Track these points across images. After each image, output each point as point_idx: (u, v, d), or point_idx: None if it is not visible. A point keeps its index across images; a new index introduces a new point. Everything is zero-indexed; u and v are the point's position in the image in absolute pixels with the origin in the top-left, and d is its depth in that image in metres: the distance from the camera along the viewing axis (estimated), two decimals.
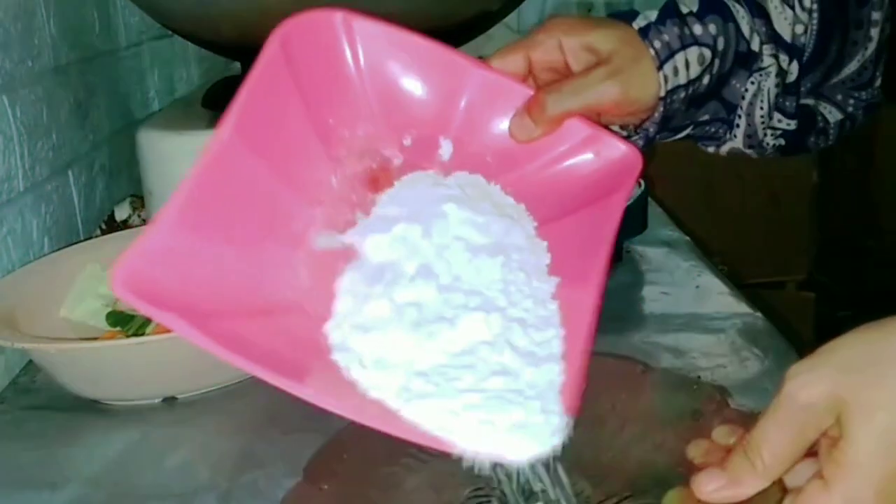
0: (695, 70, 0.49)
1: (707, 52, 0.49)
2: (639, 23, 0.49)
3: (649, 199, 0.79)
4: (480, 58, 0.47)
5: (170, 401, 0.56)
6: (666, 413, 0.43)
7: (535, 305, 0.38)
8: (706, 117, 0.52)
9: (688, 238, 0.81)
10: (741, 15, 0.51)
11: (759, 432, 0.34)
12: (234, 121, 0.37)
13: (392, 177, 0.43)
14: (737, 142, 0.53)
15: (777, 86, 0.52)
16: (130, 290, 0.32)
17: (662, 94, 0.48)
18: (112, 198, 0.88)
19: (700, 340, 0.60)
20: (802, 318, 1.82)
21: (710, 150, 0.54)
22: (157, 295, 0.32)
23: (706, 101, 0.51)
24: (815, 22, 0.52)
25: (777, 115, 0.52)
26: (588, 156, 0.45)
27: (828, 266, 2.18)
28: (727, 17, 0.50)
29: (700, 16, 0.50)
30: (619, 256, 0.75)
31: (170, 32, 0.93)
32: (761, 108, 0.52)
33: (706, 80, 0.50)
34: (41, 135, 0.72)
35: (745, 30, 0.51)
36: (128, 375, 0.55)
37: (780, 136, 0.53)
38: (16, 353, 0.61)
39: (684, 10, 0.50)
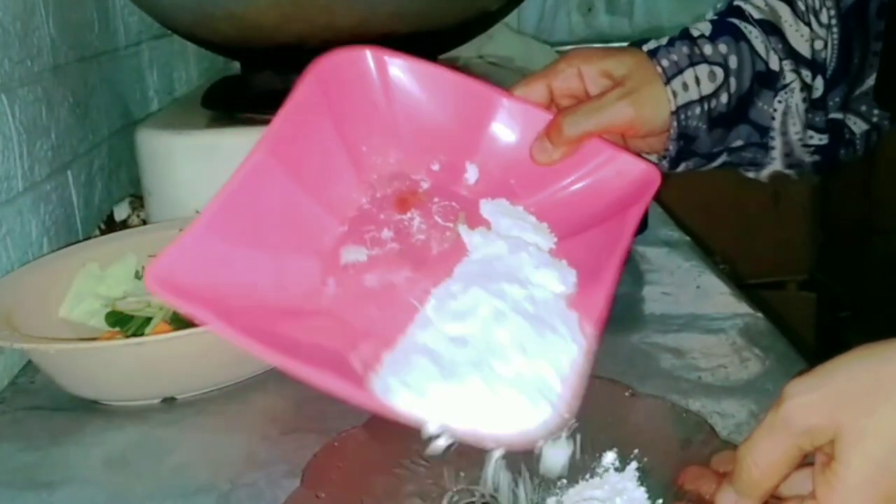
0: (707, 87, 0.50)
1: (718, 70, 0.51)
2: (649, 46, 0.51)
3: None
4: (503, 86, 0.49)
5: (169, 401, 0.56)
6: (653, 440, 0.43)
7: (547, 307, 0.40)
8: (739, 143, 0.53)
9: (688, 238, 0.81)
10: (754, 35, 0.52)
11: (754, 447, 0.35)
12: (269, 142, 0.41)
13: (420, 199, 0.46)
14: (776, 164, 0.54)
15: (804, 101, 0.52)
16: (163, 287, 0.34)
17: (673, 108, 0.49)
18: (111, 198, 0.88)
19: (700, 341, 0.60)
20: (803, 319, 1.82)
21: (751, 175, 0.55)
22: (188, 292, 0.35)
23: (734, 124, 0.52)
24: (835, 37, 0.52)
25: (808, 132, 0.53)
26: (608, 174, 0.47)
27: (828, 266, 2.17)
28: (739, 37, 0.52)
29: (711, 38, 0.52)
30: None
31: (169, 32, 0.93)
32: (794, 126, 0.53)
33: (724, 98, 0.51)
34: (40, 134, 0.72)
35: (760, 48, 0.52)
36: (127, 376, 0.54)
37: (815, 152, 0.54)
38: (15, 353, 0.61)
39: (695, 33, 0.52)
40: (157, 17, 0.82)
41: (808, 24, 0.53)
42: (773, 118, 0.52)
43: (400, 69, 0.46)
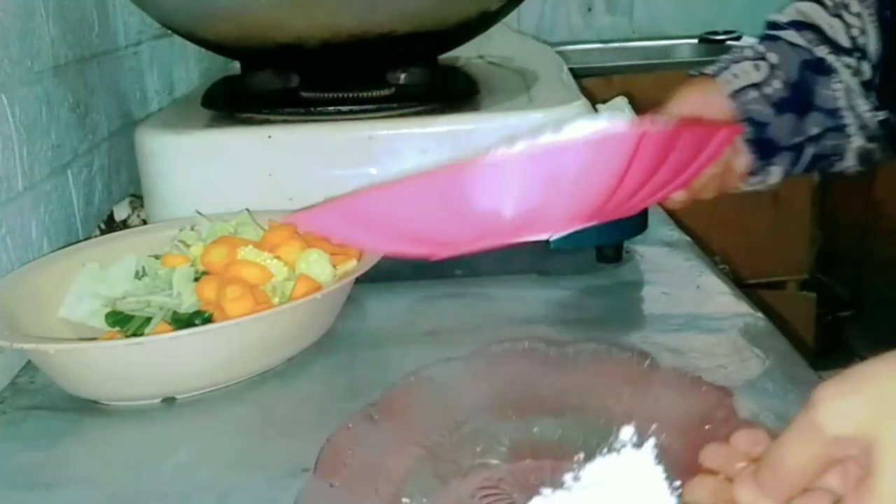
0: (755, 75, 0.59)
1: (761, 63, 0.59)
2: (694, 72, 0.62)
3: None
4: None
5: (169, 401, 0.56)
6: (672, 414, 0.42)
7: None
8: (816, 130, 0.59)
9: (688, 238, 0.81)
10: (789, 34, 0.60)
11: (783, 450, 0.33)
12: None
13: None
14: (857, 140, 0.59)
15: (859, 85, 0.58)
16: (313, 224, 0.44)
17: (728, 92, 0.58)
18: (111, 197, 0.88)
19: (701, 340, 0.60)
20: (803, 319, 1.82)
21: (840, 168, 0.61)
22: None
23: (804, 112, 0.59)
24: (870, 24, 0.58)
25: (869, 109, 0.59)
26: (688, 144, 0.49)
27: (829, 266, 2.17)
28: (774, 38, 0.60)
29: (752, 45, 0.60)
30: (619, 256, 0.75)
31: (169, 32, 0.93)
32: (860, 100, 0.58)
33: (776, 83, 0.59)
34: (40, 134, 0.72)
35: (799, 41, 0.59)
36: (127, 376, 0.54)
37: (881, 126, 0.59)
38: (15, 353, 0.61)
39: (739, 48, 0.61)
40: (156, 18, 0.82)
41: (840, 17, 0.59)
42: (835, 98, 0.58)
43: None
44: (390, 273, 0.66)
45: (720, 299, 0.67)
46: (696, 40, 2.16)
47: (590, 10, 2.26)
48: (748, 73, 0.59)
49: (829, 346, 2.00)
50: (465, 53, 0.97)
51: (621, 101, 0.83)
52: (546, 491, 0.39)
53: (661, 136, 0.43)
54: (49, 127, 0.74)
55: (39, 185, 0.71)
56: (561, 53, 1.07)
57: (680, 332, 0.62)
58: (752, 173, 0.62)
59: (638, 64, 1.88)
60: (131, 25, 0.98)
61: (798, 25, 0.59)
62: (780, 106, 0.58)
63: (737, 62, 0.59)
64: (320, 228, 0.46)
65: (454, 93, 0.77)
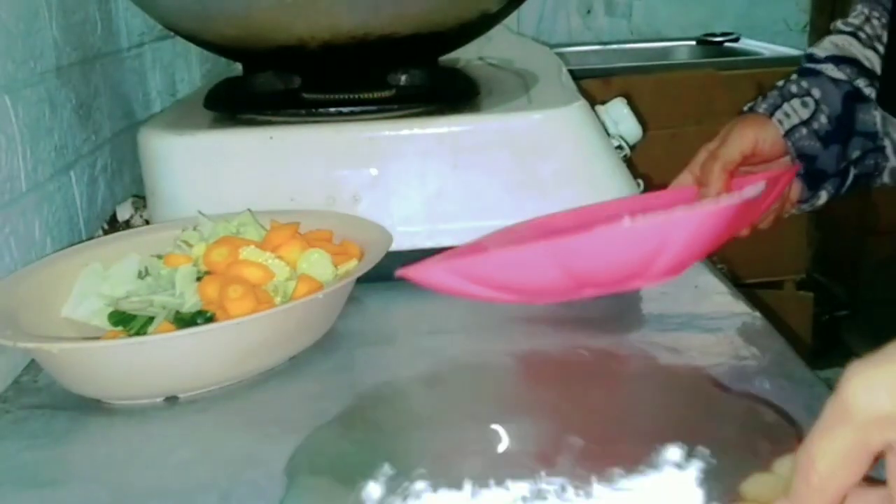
0: (804, 112, 0.64)
1: (808, 99, 0.64)
2: (746, 106, 0.67)
3: None
4: None
5: (171, 400, 0.57)
6: (727, 442, 0.39)
7: None
8: (858, 153, 0.65)
9: None
10: (829, 69, 0.65)
11: (811, 448, 0.28)
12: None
13: None
14: (893, 160, 0.65)
15: None
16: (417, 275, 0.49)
17: (783, 132, 0.63)
18: (114, 198, 0.88)
19: (699, 340, 0.60)
20: (801, 318, 1.83)
21: (880, 183, 0.67)
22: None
23: (848, 138, 0.64)
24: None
25: None
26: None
27: (826, 266, 2.18)
28: (815, 73, 0.65)
29: (796, 80, 0.66)
30: None
31: (171, 34, 0.93)
32: (893, 127, 0.64)
33: (822, 119, 0.64)
34: (43, 135, 0.72)
35: (838, 75, 0.64)
36: (130, 375, 0.55)
37: None
38: (18, 352, 0.61)
39: (780, 83, 0.67)
40: (159, 19, 0.82)
41: (874, 48, 0.64)
42: (874, 123, 0.64)
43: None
44: (392, 273, 0.66)
45: (718, 299, 0.67)
46: (693, 42, 2.16)
47: (589, 12, 2.27)
48: (797, 111, 0.64)
49: (826, 346, 2.01)
50: (466, 55, 0.97)
51: (620, 102, 0.83)
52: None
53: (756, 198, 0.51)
54: (52, 128, 0.74)
55: (42, 186, 0.71)
56: (560, 55, 1.08)
57: (678, 331, 0.62)
58: (802, 200, 0.69)
59: (636, 65, 1.89)
60: (134, 27, 0.98)
61: (836, 60, 0.65)
62: (827, 139, 0.64)
63: (786, 100, 0.64)
64: (429, 282, 0.50)
65: (454, 94, 0.77)
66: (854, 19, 0.67)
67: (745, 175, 0.63)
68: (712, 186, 0.61)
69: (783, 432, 0.37)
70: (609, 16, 2.26)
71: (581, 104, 0.74)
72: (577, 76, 0.98)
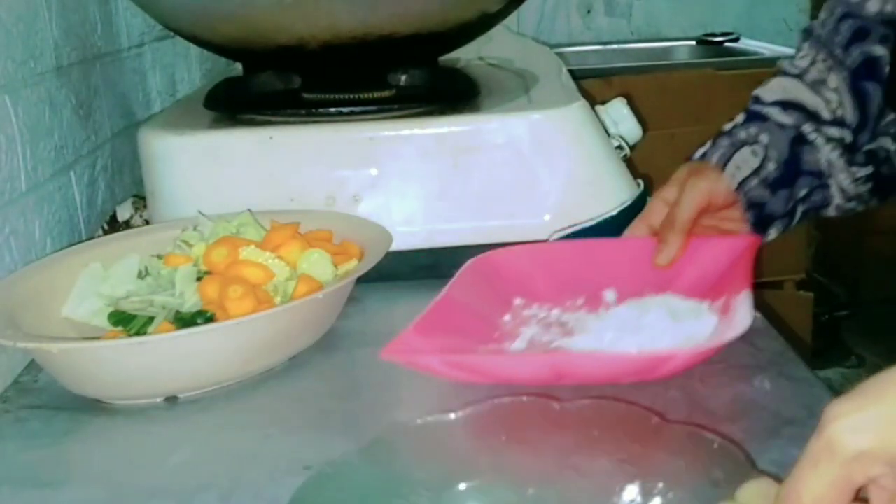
0: (753, 161, 0.65)
1: (758, 148, 0.65)
2: (698, 154, 0.67)
3: (648, 199, 0.79)
4: None
5: (171, 400, 0.57)
6: (680, 473, 0.39)
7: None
8: (805, 191, 0.66)
9: None
10: (774, 113, 0.66)
11: (797, 482, 0.30)
12: (445, 295, 0.59)
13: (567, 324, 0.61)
14: (838, 199, 0.66)
15: (839, 153, 0.65)
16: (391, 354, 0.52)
17: (734, 186, 0.64)
18: (114, 198, 0.88)
19: None
20: (800, 318, 1.82)
21: (826, 214, 0.68)
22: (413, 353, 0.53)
23: (794, 180, 0.65)
24: (846, 95, 0.65)
25: (853, 168, 0.65)
26: (720, 256, 0.62)
27: (826, 266, 2.18)
28: (763, 118, 0.66)
29: (743, 125, 0.66)
30: None
31: (171, 34, 0.93)
32: (839, 171, 0.65)
33: (771, 166, 0.65)
34: (43, 135, 0.72)
35: (785, 120, 0.65)
36: (129, 375, 0.55)
37: (865, 181, 0.66)
38: (18, 352, 0.61)
39: (729, 126, 0.67)
40: (159, 19, 0.82)
41: (819, 93, 0.66)
42: (819, 163, 0.65)
43: (523, 254, 0.65)
44: (392, 273, 0.66)
45: None
46: (693, 42, 2.16)
47: (589, 12, 2.27)
48: (748, 160, 0.64)
49: (826, 346, 2.01)
50: (466, 55, 0.97)
51: (620, 102, 0.83)
52: None
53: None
54: (52, 128, 0.74)
55: (43, 186, 0.71)
56: (560, 55, 1.08)
57: None
58: None
59: (636, 65, 1.89)
60: (134, 27, 0.98)
61: (783, 105, 0.66)
62: (775, 186, 0.65)
63: (737, 149, 0.65)
64: (415, 366, 0.53)
65: (454, 94, 0.77)
66: (800, 61, 0.68)
67: (701, 236, 0.64)
68: (671, 247, 0.62)
69: (732, 457, 0.38)
70: (609, 16, 2.26)
71: (581, 104, 0.74)
72: (577, 76, 0.98)
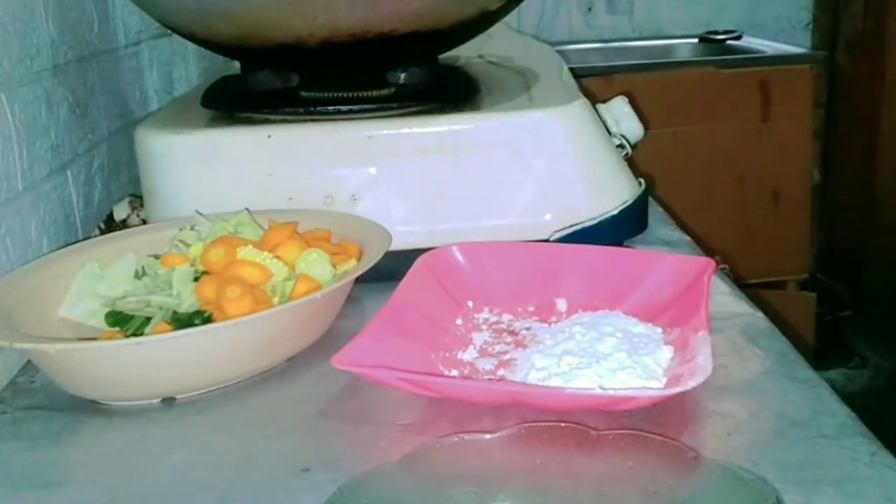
0: None
1: None
2: None
3: (649, 199, 0.79)
4: None
5: (169, 401, 0.56)
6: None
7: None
8: None
9: (688, 238, 0.81)
10: None
11: None
12: (398, 296, 0.59)
13: (517, 332, 0.61)
14: None
15: None
16: (344, 364, 0.51)
17: None
18: (111, 197, 0.88)
19: None
20: (803, 318, 1.82)
21: None
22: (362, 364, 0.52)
23: None
24: None
25: None
26: (665, 276, 0.61)
27: (829, 266, 2.18)
28: None
29: None
30: None
31: (168, 32, 0.93)
32: None
33: None
34: (40, 134, 0.72)
35: None
36: (127, 375, 0.54)
37: None
38: (14, 353, 0.61)
39: None
40: (156, 17, 0.81)
41: None
42: None
43: (483, 252, 0.65)
44: (391, 273, 0.66)
45: (720, 299, 0.67)
46: (696, 40, 2.16)
47: (590, 9, 2.26)
48: None
49: (829, 346, 2.01)
50: (466, 53, 0.97)
51: (621, 100, 0.83)
52: None
53: None
54: (48, 126, 0.74)
55: (39, 185, 0.71)
56: (561, 53, 1.08)
57: None
58: None
59: (638, 63, 1.88)
60: (131, 25, 0.98)
61: None
62: None
63: None
64: (370, 378, 0.53)
65: (454, 92, 0.77)
66: None
67: (654, 252, 0.63)
68: None
69: (764, 496, 0.38)
70: (610, 13, 2.25)
71: (582, 102, 0.74)
72: (578, 74, 0.97)
